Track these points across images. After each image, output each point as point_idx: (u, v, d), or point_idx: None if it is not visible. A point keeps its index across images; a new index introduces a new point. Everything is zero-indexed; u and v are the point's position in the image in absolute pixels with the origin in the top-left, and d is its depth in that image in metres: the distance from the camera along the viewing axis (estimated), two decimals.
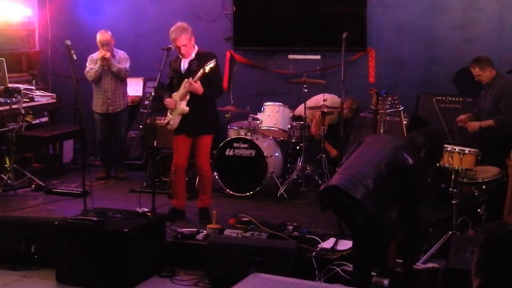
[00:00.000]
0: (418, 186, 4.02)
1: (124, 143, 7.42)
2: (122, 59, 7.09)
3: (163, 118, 5.77)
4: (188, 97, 5.42)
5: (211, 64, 5.34)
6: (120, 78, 7.07)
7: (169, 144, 6.42)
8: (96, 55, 7.01)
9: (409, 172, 3.96)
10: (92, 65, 7.01)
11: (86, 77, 7.00)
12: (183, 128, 5.56)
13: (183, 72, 5.50)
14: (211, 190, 5.86)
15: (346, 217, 4.28)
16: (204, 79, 5.38)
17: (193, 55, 5.51)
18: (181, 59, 5.54)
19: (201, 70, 5.35)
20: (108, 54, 6.89)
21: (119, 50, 7.15)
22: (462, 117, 6.27)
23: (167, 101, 5.54)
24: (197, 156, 5.64)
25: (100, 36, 6.96)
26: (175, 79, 5.61)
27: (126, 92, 7.29)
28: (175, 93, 5.57)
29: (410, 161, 3.97)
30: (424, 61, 7.34)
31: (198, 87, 5.34)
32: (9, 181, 6.68)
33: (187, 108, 5.47)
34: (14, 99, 6.83)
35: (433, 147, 4.23)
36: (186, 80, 5.41)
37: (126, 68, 7.07)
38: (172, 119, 5.57)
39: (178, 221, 5.59)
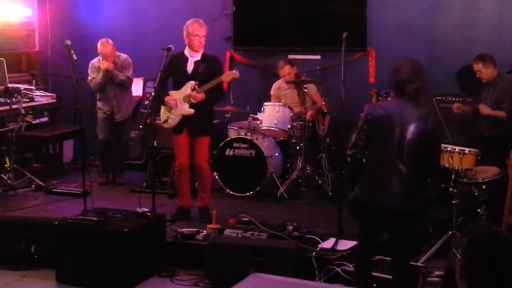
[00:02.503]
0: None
1: (126, 148, 7.38)
2: (125, 66, 6.98)
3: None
4: (193, 100, 5.44)
5: (233, 75, 5.38)
6: (124, 87, 7.05)
7: (169, 144, 6.43)
8: (96, 62, 6.92)
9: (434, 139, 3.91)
10: (94, 73, 6.92)
11: (89, 86, 6.96)
12: (184, 128, 5.57)
13: (189, 73, 5.50)
14: (210, 189, 5.88)
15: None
16: (209, 82, 5.40)
17: (199, 56, 5.52)
18: (187, 58, 5.52)
19: (219, 78, 5.37)
20: (111, 66, 6.81)
21: (122, 54, 7.02)
22: (458, 105, 6.26)
23: (168, 99, 5.53)
24: (197, 156, 5.65)
25: (102, 48, 6.82)
26: (177, 77, 5.60)
27: (131, 98, 7.22)
28: (175, 91, 5.56)
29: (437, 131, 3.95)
30: (424, 61, 7.26)
31: (201, 97, 5.38)
32: (9, 181, 6.68)
33: (192, 110, 5.48)
34: (14, 99, 6.84)
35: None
36: (191, 82, 5.42)
37: (129, 76, 7.03)
38: (172, 118, 5.57)
39: (183, 220, 5.60)
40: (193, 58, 5.52)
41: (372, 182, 3.86)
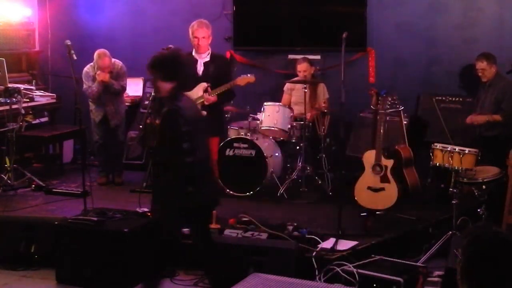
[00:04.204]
0: None
1: (122, 147, 7.37)
2: (120, 75, 6.92)
3: None
4: (206, 102, 5.44)
5: (249, 79, 5.39)
6: (118, 94, 7.04)
7: None
8: (91, 71, 6.84)
9: None
10: (89, 82, 6.85)
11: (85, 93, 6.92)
12: None
13: (200, 74, 5.50)
14: None
15: None
16: (219, 82, 5.40)
17: (208, 57, 5.52)
18: (195, 60, 5.52)
19: (234, 81, 5.37)
20: (107, 77, 6.76)
21: (117, 62, 6.94)
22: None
23: None
24: None
25: (100, 61, 6.75)
26: None
27: (122, 101, 7.21)
28: (186, 93, 5.56)
29: None
30: (424, 61, 7.34)
31: (214, 100, 5.39)
32: (9, 181, 6.67)
33: (204, 112, 5.48)
34: (14, 99, 6.82)
35: None
36: (203, 84, 5.42)
37: (123, 85, 7.00)
38: None
39: None
40: (201, 60, 5.53)
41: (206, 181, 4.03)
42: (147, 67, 4.07)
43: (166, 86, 3.94)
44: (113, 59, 6.93)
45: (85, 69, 6.90)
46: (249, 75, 5.55)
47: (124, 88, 7.05)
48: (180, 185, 3.91)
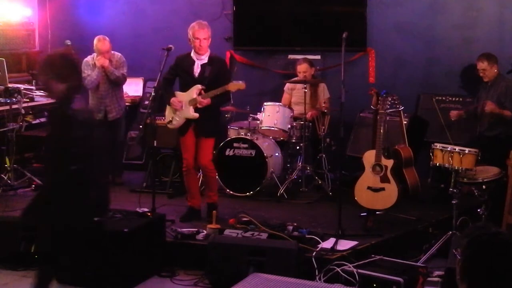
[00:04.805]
0: None
1: (123, 147, 7.37)
2: (119, 64, 6.95)
3: (163, 118, 5.78)
4: (198, 105, 5.44)
5: (239, 86, 5.38)
6: (118, 84, 7.03)
7: (169, 144, 6.44)
8: (90, 60, 6.87)
9: None
10: (89, 70, 6.85)
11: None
12: (189, 128, 5.57)
13: (196, 76, 5.49)
14: (217, 187, 5.89)
15: None
16: (216, 85, 5.39)
17: (206, 58, 5.50)
18: (193, 61, 5.51)
19: (225, 87, 5.37)
20: (107, 62, 6.76)
21: (116, 53, 6.99)
22: (454, 112, 6.32)
23: (174, 101, 5.52)
24: (200, 157, 5.65)
25: (100, 44, 6.79)
26: (183, 79, 5.60)
27: (122, 96, 7.21)
28: (181, 93, 5.56)
29: None
30: (424, 61, 7.34)
31: (207, 103, 5.39)
32: (9, 181, 6.68)
33: (196, 115, 5.48)
34: (14, 99, 6.83)
35: None
36: (197, 85, 5.41)
37: (124, 74, 7.01)
38: (176, 120, 5.57)
39: (194, 221, 5.61)
40: (199, 61, 5.50)
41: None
42: (39, 66, 3.92)
43: (59, 87, 3.78)
44: (112, 51, 6.96)
45: (85, 59, 6.91)
46: (240, 82, 5.54)
47: (124, 77, 7.02)
48: (58, 193, 3.70)
